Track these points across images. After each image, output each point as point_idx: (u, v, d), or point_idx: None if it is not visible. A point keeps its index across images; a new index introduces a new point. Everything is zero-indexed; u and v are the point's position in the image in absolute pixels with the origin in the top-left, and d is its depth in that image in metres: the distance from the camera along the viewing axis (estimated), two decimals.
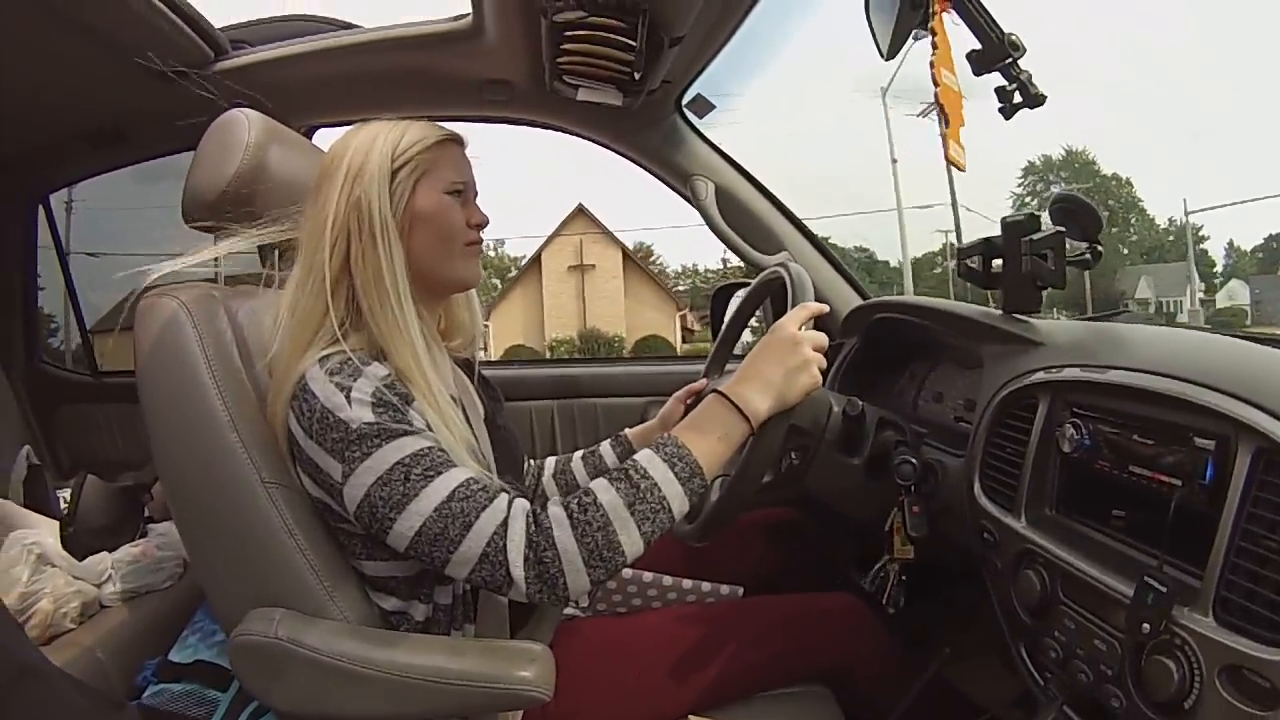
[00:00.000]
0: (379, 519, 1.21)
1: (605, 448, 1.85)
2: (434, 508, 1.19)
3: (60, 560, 2.12)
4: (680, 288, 44.96)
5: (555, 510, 1.21)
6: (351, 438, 1.20)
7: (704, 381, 1.86)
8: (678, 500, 1.24)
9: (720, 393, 1.33)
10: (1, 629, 1.09)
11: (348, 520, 1.29)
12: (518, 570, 1.17)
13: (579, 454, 1.87)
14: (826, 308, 1.44)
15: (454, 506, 1.19)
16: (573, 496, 1.23)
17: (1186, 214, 38.56)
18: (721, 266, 43.18)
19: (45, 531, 2.20)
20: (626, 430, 1.86)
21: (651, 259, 48.53)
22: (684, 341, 34.72)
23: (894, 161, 29.35)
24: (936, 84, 1.43)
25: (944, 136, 1.46)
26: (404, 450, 1.21)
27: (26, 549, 2.05)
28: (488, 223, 1.49)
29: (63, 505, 2.45)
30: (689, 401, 1.82)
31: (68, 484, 2.50)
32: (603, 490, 1.22)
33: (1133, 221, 46.47)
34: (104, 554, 2.22)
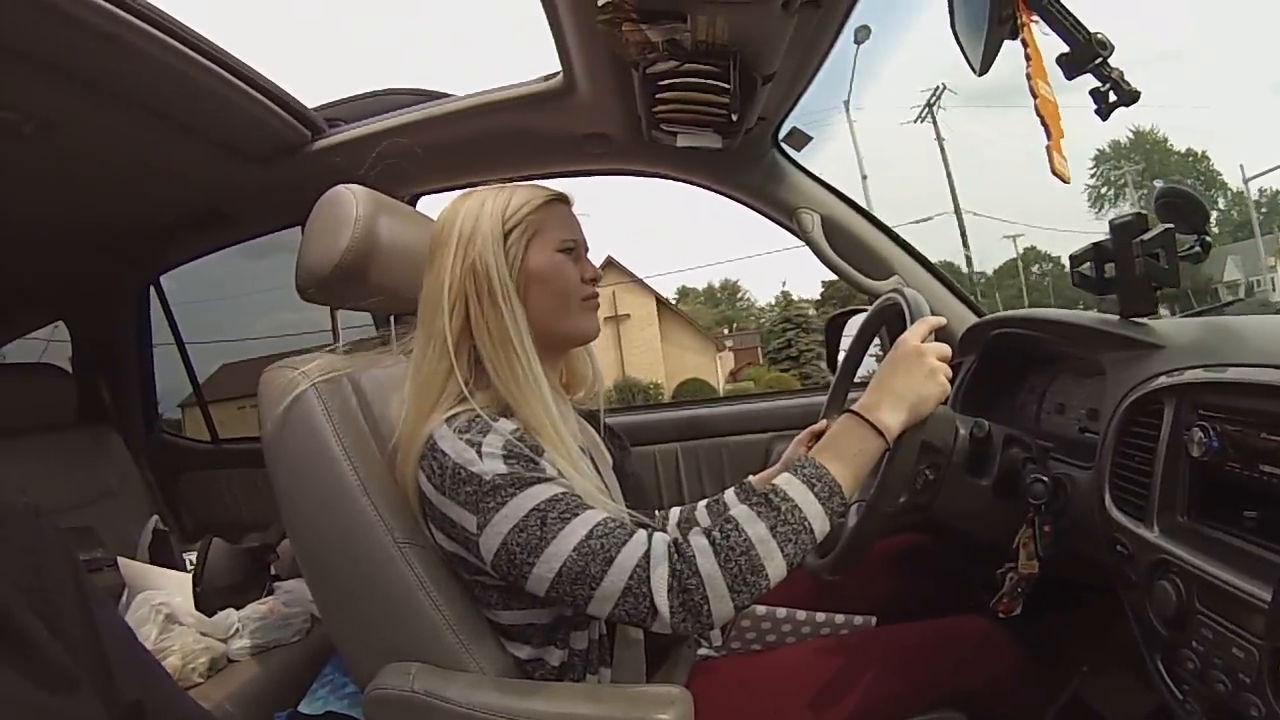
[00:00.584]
0: (517, 565, 1.23)
1: (730, 495, 1.83)
2: (573, 547, 1.21)
3: (188, 618, 2.20)
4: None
5: (698, 539, 1.22)
6: (485, 489, 1.23)
7: (824, 423, 1.84)
8: (819, 520, 1.24)
9: (853, 411, 1.34)
10: (165, 691, 1.15)
11: (484, 572, 1.32)
12: (662, 601, 1.18)
13: (703, 503, 1.86)
14: (944, 320, 1.44)
15: (593, 544, 1.21)
16: (714, 524, 1.24)
17: (1245, 181, 36.72)
18: (781, 299, 42.51)
19: (174, 590, 2.29)
20: (750, 477, 1.85)
21: (739, 294, 48.13)
22: (727, 382, 35.11)
23: (864, 178, 29.16)
24: (1035, 95, 1.41)
25: (1048, 149, 1.44)
26: (539, 497, 1.23)
27: (155, 609, 2.13)
28: (601, 277, 1.52)
29: (189, 567, 2.54)
30: (810, 445, 1.81)
31: (193, 547, 2.60)
32: (743, 516, 1.23)
33: (1216, 199, 44.25)
34: (231, 610, 2.30)
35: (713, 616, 1.19)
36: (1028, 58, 1.40)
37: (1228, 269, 35.89)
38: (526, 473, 1.24)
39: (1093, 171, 46.38)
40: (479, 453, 1.25)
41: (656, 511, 1.88)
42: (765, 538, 1.21)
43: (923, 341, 1.38)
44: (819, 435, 1.80)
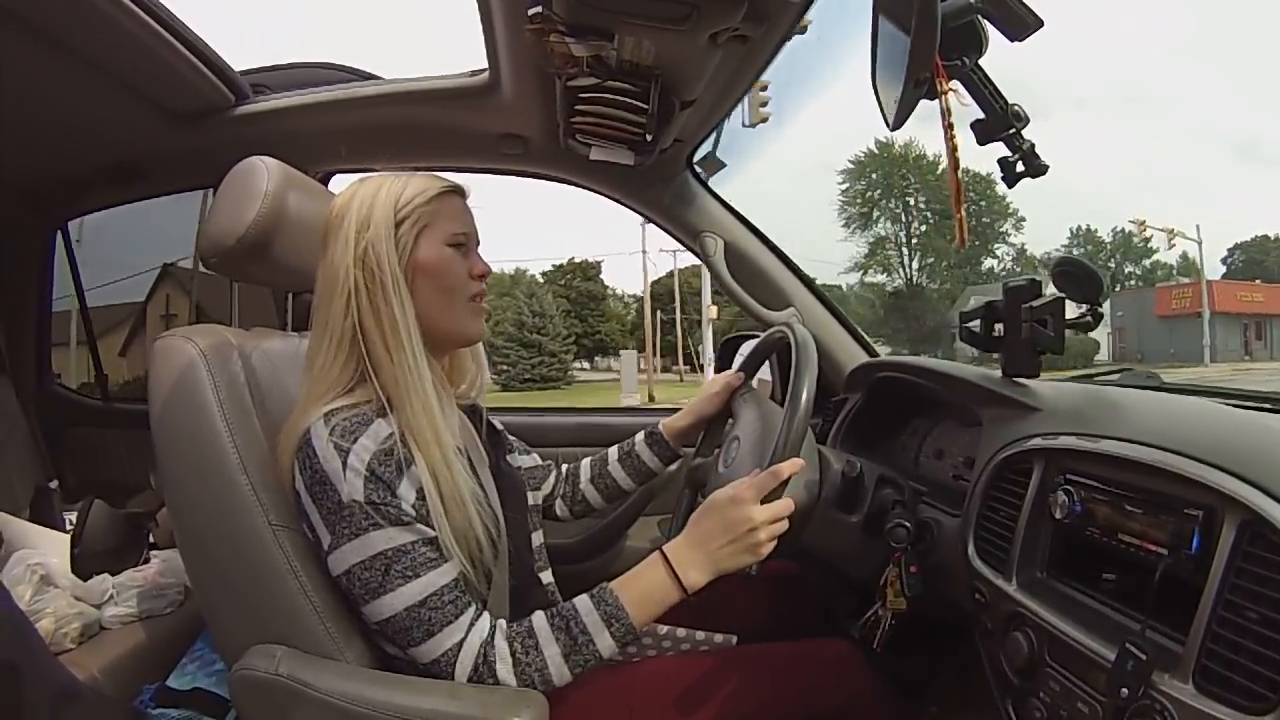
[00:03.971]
0: (355, 595, 1.31)
1: (641, 446, 1.91)
2: (405, 607, 1.28)
3: (64, 580, 2.15)
4: None
5: (501, 646, 1.32)
6: (343, 512, 1.27)
7: (740, 376, 1.93)
8: (609, 650, 1.35)
9: (665, 556, 1.39)
10: (40, 656, 1.12)
11: None
12: (461, 683, 1.30)
13: (615, 452, 1.94)
14: (801, 464, 1.43)
15: (422, 614, 1.29)
16: (517, 636, 1.33)
17: None
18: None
19: (52, 551, 2.24)
20: (662, 423, 1.93)
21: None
22: None
23: None
24: (955, 167, 1.46)
25: (959, 221, 1.49)
26: (390, 542, 1.28)
27: (30, 569, 2.09)
28: (489, 273, 1.51)
29: (69, 528, 2.48)
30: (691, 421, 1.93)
31: (74, 507, 2.53)
32: (545, 638, 1.33)
33: (1007, 232, 44.65)
34: (106, 576, 2.25)
35: None
36: (949, 126, 1.44)
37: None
38: (383, 505, 1.28)
39: (843, 187, 46.82)
40: (344, 464, 1.27)
41: (564, 467, 1.99)
42: (559, 662, 1.32)
43: (765, 497, 1.38)
44: (735, 388, 1.91)
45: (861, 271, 47.48)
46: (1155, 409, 1.36)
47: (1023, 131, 1.47)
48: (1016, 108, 1.45)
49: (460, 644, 1.29)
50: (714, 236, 2.60)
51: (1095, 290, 1.51)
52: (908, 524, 1.55)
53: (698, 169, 2.61)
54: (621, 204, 2.72)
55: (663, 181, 2.60)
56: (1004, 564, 1.32)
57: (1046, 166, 1.48)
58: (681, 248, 2.74)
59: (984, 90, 1.45)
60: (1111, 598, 1.15)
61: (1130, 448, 1.14)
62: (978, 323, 1.63)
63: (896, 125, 1.47)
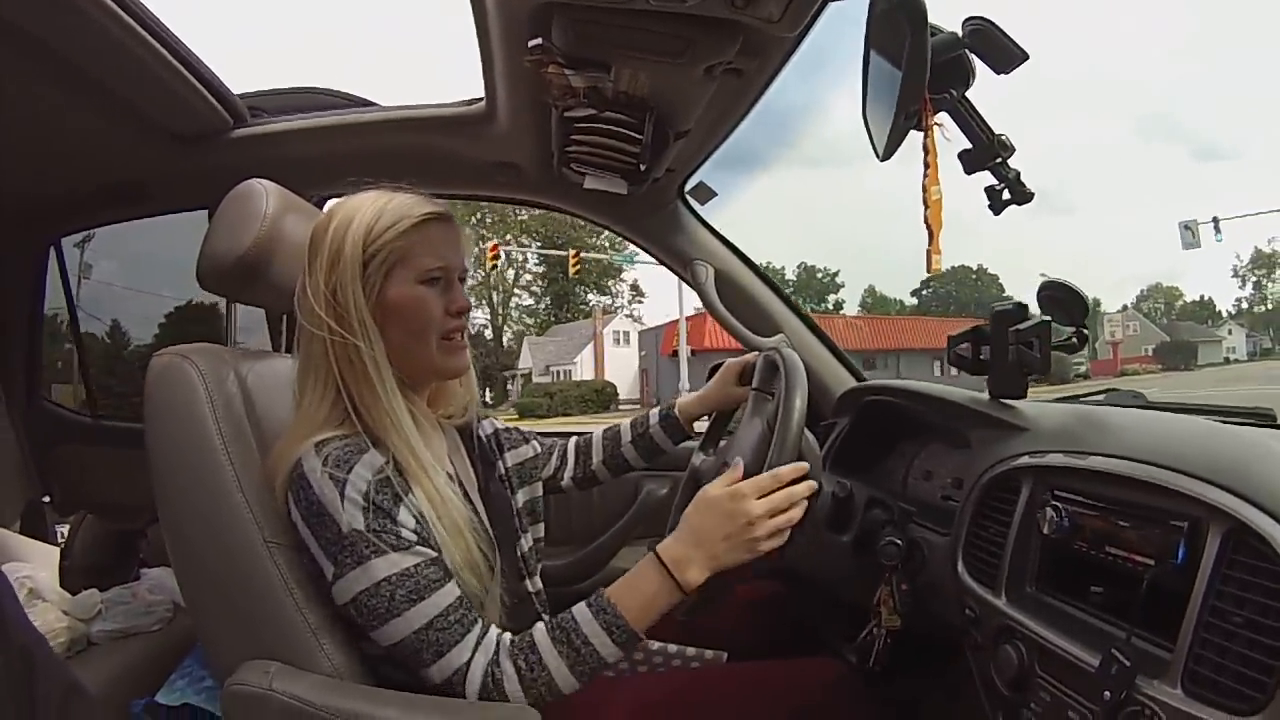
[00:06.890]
0: (363, 622, 1.30)
1: (656, 427, 1.94)
2: (414, 630, 1.28)
3: (53, 594, 2.16)
4: None
5: (507, 665, 1.31)
6: (344, 542, 1.26)
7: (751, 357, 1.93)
8: (613, 656, 1.34)
9: (658, 556, 1.37)
10: (49, 650, 1.16)
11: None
12: (474, 698, 1.29)
13: (628, 432, 1.98)
14: (805, 467, 1.42)
15: (430, 635, 1.28)
16: (521, 653, 1.32)
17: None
18: None
19: (41, 564, 2.26)
20: (677, 401, 1.97)
21: None
22: None
23: None
24: (926, 205, 1.47)
25: (927, 252, 1.51)
26: (393, 567, 1.27)
27: (19, 581, 2.09)
28: (469, 308, 1.50)
29: (60, 540, 2.49)
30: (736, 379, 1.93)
31: (67, 520, 2.53)
32: (548, 652, 1.31)
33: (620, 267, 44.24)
34: (94, 591, 2.26)
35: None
36: (927, 164, 1.47)
37: (523, 356, 36.79)
38: (384, 533, 1.28)
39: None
40: (341, 494, 1.27)
41: (570, 440, 2.01)
42: (564, 673, 1.31)
43: (765, 494, 1.37)
44: (741, 372, 1.92)
45: None
46: (1140, 426, 1.38)
47: (1008, 160, 1.51)
48: (1003, 137, 1.49)
49: (469, 663, 1.29)
50: (705, 264, 2.62)
51: (1082, 312, 1.54)
52: (899, 541, 1.57)
53: (689, 198, 2.63)
54: (613, 231, 2.76)
55: (655, 210, 2.62)
56: (993, 579, 1.34)
57: (1032, 194, 1.51)
58: None
59: (971, 121, 1.48)
60: (1100, 609, 1.18)
61: (1117, 463, 1.17)
62: (966, 346, 1.66)
63: (886, 156, 1.50)
